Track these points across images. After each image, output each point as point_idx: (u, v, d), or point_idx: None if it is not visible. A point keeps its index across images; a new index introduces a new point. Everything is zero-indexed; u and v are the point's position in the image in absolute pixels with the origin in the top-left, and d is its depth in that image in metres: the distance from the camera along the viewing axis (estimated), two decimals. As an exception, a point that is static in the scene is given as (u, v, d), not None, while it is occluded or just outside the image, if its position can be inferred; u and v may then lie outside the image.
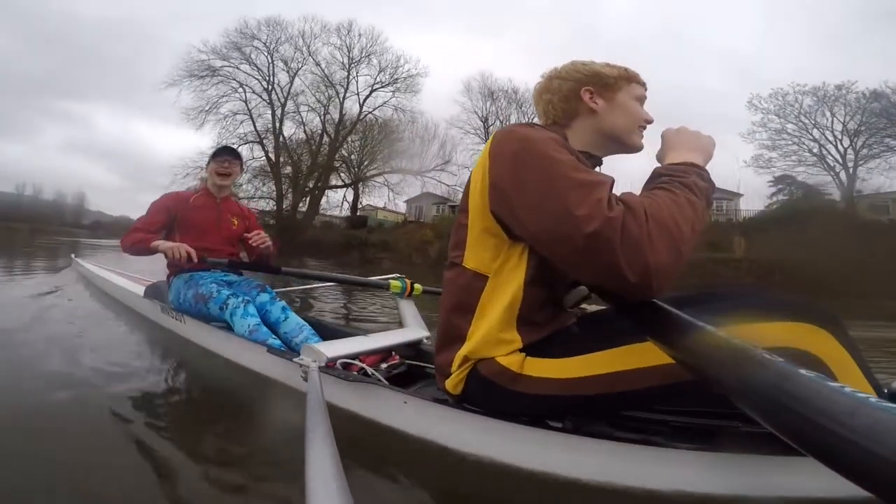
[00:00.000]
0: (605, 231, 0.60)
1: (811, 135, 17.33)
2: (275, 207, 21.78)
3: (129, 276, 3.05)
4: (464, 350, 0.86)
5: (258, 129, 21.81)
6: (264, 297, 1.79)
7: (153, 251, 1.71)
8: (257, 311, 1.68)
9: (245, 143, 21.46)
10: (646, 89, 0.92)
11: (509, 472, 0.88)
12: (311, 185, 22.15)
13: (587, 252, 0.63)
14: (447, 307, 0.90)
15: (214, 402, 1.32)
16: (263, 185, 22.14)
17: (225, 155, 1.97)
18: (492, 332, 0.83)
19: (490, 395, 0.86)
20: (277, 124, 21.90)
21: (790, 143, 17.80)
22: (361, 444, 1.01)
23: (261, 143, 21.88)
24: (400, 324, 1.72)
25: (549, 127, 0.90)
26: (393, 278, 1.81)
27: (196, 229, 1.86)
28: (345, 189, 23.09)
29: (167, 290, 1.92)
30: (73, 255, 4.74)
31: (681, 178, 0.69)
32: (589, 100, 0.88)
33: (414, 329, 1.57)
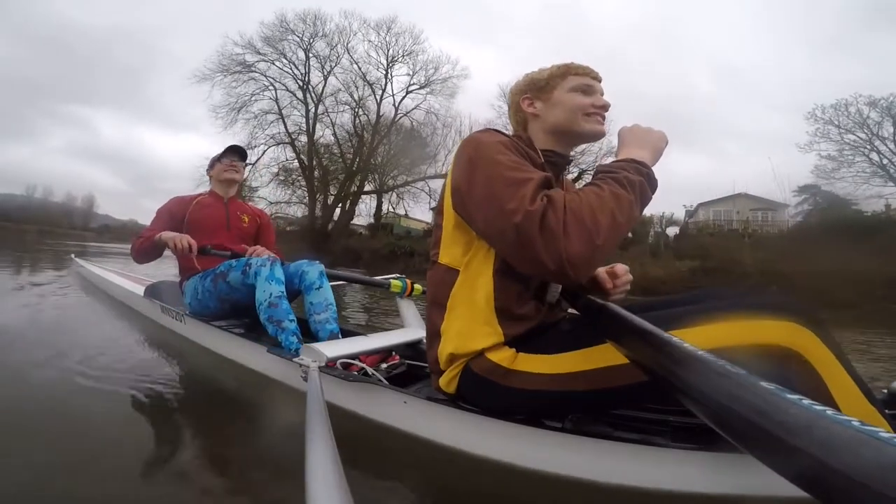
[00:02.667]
0: (525, 223, 0.66)
1: (874, 146, 16.53)
2: (306, 213, 20.43)
3: (129, 276, 3.05)
4: (446, 346, 0.88)
5: (289, 129, 20.47)
6: (303, 261, 1.73)
7: (158, 244, 1.69)
8: (288, 274, 1.63)
9: (277, 144, 20.35)
10: (593, 77, 0.94)
11: (509, 472, 0.88)
12: (348, 189, 20.64)
13: (516, 243, 0.68)
14: (427, 304, 0.96)
15: (214, 401, 1.32)
16: (298, 188, 20.81)
17: (232, 155, 1.95)
18: (468, 324, 0.85)
19: (483, 392, 0.87)
20: (311, 124, 20.44)
21: (851, 154, 16.85)
22: (361, 443, 1.01)
23: (292, 144, 20.42)
24: (400, 324, 1.72)
25: (517, 133, 0.98)
26: (394, 278, 1.82)
27: (206, 229, 1.79)
28: (376, 195, 21.26)
29: (179, 293, 1.87)
30: (72, 255, 4.74)
31: (612, 174, 0.73)
32: (528, 106, 0.96)
33: (414, 329, 1.57)
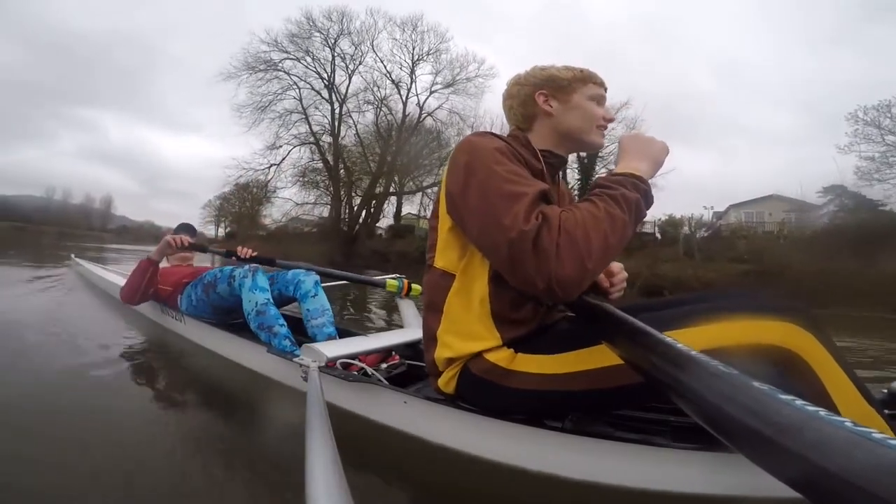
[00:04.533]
0: (519, 241, 0.66)
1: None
2: (330, 214, 20.48)
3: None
4: (443, 350, 0.88)
5: (313, 129, 20.40)
6: (299, 270, 1.78)
7: (149, 265, 1.84)
8: (284, 282, 1.70)
9: (301, 144, 20.36)
10: (605, 90, 0.94)
11: (509, 472, 0.88)
12: (373, 190, 20.49)
13: (508, 259, 0.68)
14: (423, 308, 0.95)
15: (214, 401, 1.32)
16: (323, 190, 20.77)
17: (183, 233, 2.12)
18: (464, 329, 0.85)
19: (482, 392, 0.86)
20: (336, 124, 20.32)
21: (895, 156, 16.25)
22: (361, 443, 1.01)
23: (317, 143, 20.38)
24: (400, 324, 1.72)
25: (512, 132, 0.97)
26: (391, 278, 1.82)
27: (175, 273, 1.94)
28: (396, 196, 21.20)
29: (177, 302, 1.92)
30: (72, 255, 4.73)
31: (609, 191, 0.72)
32: (543, 103, 0.92)
33: (414, 329, 1.57)
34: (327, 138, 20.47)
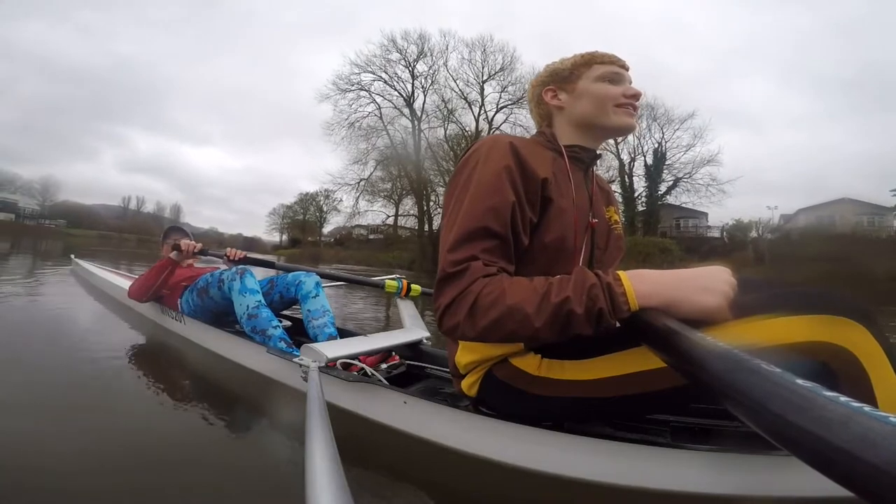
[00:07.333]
0: (445, 280, 0.69)
1: None
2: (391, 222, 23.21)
3: (129, 277, 3.05)
4: (466, 353, 0.87)
5: (394, 143, 22.64)
6: (299, 271, 1.80)
7: (169, 264, 1.86)
8: (286, 283, 1.72)
9: (384, 160, 22.63)
10: (620, 66, 0.87)
11: (510, 472, 0.88)
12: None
13: (438, 280, 0.72)
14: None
15: (213, 401, 1.32)
16: (396, 200, 23.24)
17: (175, 234, 2.16)
18: None
19: (507, 398, 0.85)
20: (416, 139, 22.44)
21: None
22: (361, 443, 1.01)
23: (398, 158, 22.37)
24: (400, 324, 1.72)
25: (539, 131, 0.95)
26: (390, 278, 1.82)
27: (179, 277, 1.95)
28: None
29: (177, 304, 1.93)
30: (72, 256, 4.72)
31: (561, 291, 0.63)
32: (552, 98, 0.91)
33: (414, 329, 1.57)
34: (402, 150, 22.62)
